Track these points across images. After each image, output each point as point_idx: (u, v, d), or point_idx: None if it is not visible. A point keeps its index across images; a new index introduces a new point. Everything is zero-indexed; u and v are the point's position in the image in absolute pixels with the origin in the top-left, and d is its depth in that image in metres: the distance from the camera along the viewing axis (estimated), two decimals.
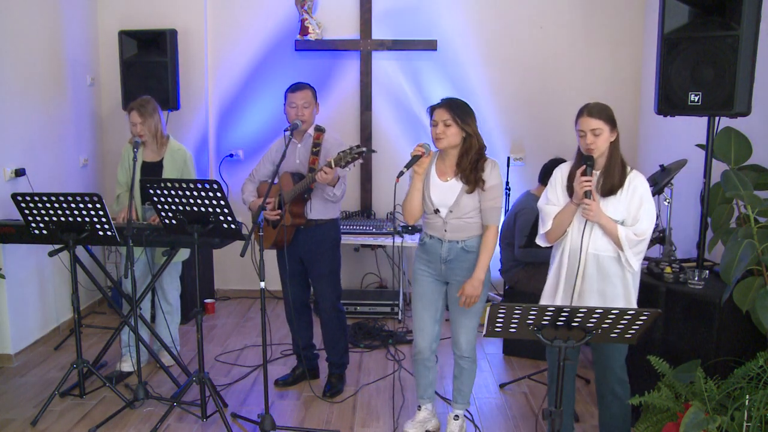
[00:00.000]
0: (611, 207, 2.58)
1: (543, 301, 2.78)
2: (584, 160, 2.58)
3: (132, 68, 4.68)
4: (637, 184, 2.58)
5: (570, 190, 2.64)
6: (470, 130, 2.83)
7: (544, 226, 2.70)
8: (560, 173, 2.72)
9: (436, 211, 2.88)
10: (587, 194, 2.52)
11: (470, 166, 2.82)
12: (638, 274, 2.67)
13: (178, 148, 3.73)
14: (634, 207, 2.56)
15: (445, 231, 2.88)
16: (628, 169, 2.62)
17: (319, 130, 3.37)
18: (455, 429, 3.09)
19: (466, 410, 3.22)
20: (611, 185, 2.57)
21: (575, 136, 2.66)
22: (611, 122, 2.57)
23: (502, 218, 4.41)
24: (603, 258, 2.60)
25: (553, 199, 2.70)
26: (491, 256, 2.87)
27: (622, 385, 2.73)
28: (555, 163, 4.15)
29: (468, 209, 2.85)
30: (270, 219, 3.42)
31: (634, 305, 2.64)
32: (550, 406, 2.22)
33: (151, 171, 3.67)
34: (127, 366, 3.77)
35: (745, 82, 2.92)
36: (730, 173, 2.94)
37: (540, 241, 2.75)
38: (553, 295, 2.72)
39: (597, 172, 2.62)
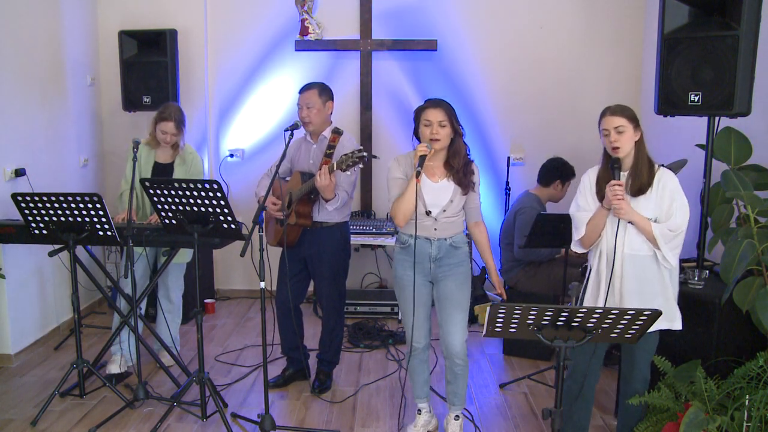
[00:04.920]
0: (642, 206, 2.57)
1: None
2: (611, 162, 2.58)
3: (132, 68, 4.68)
4: (666, 180, 2.57)
5: (600, 194, 2.64)
6: (459, 131, 2.87)
7: (578, 233, 2.70)
8: (588, 179, 2.72)
9: (428, 212, 2.88)
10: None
11: (463, 168, 2.87)
12: (676, 271, 2.64)
13: (191, 151, 3.76)
14: (666, 203, 2.55)
15: (435, 230, 2.90)
16: (656, 166, 2.61)
17: (336, 132, 3.37)
18: (456, 429, 3.09)
19: (466, 409, 3.22)
20: (640, 185, 2.57)
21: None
22: (634, 121, 2.57)
23: (502, 219, 4.42)
24: (639, 258, 2.58)
25: (584, 205, 2.71)
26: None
27: (644, 383, 2.73)
28: (554, 162, 4.17)
29: (459, 208, 2.93)
30: (273, 215, 3.43)
31: (673, 304, 2.60)
32: (565, 406, 2.19)
33: (163, 172, 3.70)
34: (114, 368, 3.71)
35: (745, 82, 2.92)
36: (730, 173, 2.94)
37: (575, 248, 2.76)
38: (595, 299, 2.70)
39: (625, 174, 2.61)
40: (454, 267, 2.93)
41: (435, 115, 2.80)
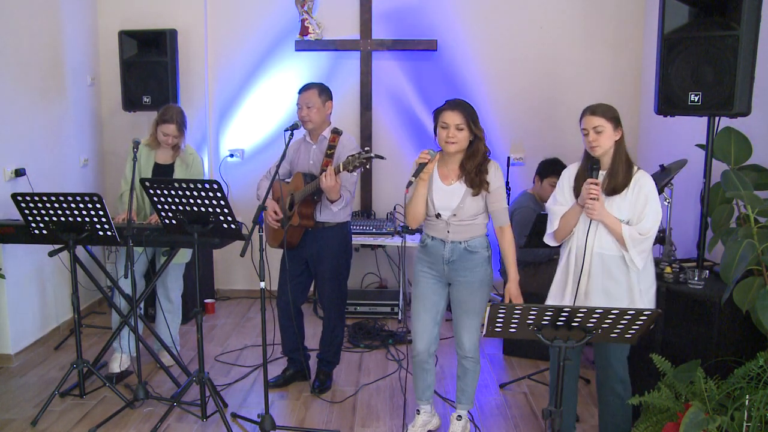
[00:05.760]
0: (616, 206, 2.59)
1: (549, 301, 2.80)
2: (590, 162, 2.60)
3: (132, 68, 4.68)
4: (643, 183, 2.59)
5: (577, 191, 2.67)
6: (479, 134, 2.80)
7: (552, 226, 2.73)
8: (567, 174, 2.75)
9: (438, 215, 2.86)
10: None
11: (475, 168, 2.81)
12: (648, 273, 2.67)
13: (191, 152, 3.77)
14: (640, 206, 2.58)
15: (448, 232, 2.87)
16: (635, 168, 2.63)
17: (336, 132, 3.36)
18: (458, 429, 3.09)
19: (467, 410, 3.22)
20: (615, 184, 2.59)
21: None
22: (614, 121, 2.59)
23: None
24: (608, 257, 2.62)
25: (560, 200, 2.73)
26: (515, 254, 2.94)
27: (623, 384, 2.74)
28: (549, 160, 4.16)
29: (472, 212, 2.84)
30: (271, 225, 3.42)
31: (639, 305, 2.62)
32: (551, 406, 2.22)
33: (163, 173, 3.70)
34: (115, 366, 3.72)
35: (745, 82, 2.92)
36: (730, 173, 2.94)
37: (548, 240, 2.78)
38: (561, 294, 2.73)
39: (603, 172, 2.64)
40: (468, 272, 2.88)
41: (452, 118, 2.75)
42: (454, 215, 2.84)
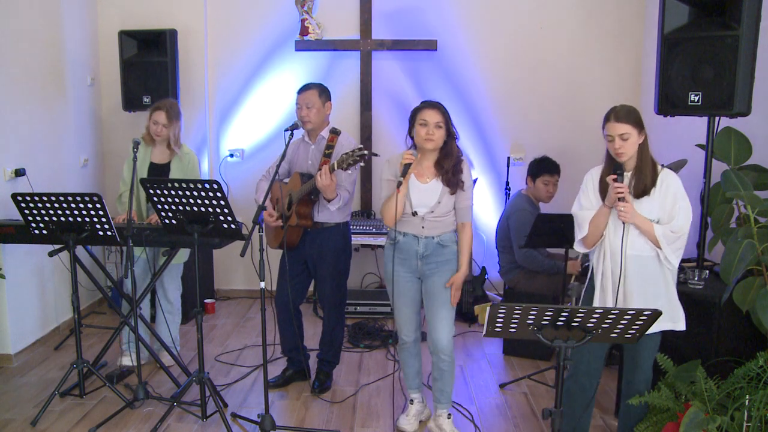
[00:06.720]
0: (645, 207, 2.56)
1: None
2: (614, 168, 2.55)
3: (132, 68, 4.69)
4: (669, 182, 2.57)
5: (603, 193, 2.62)
6: (453, 134, 2.92)
7: (582, 232, 2.67)
8: (591, 178, 2.70)
9: (415, 213, 2.91)
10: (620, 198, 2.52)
11: (452, 168, 2.89)
12: (675, 272, 2.64)
13: (187, 152, 3.77)
14: (669, 205, 2.55)
15: (423, 228, 2.93)
16: (659, 167, 2.60)
17: (334, 132, 3.37)
18: (450, 426, 3.10)
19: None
20: (644, 186, 2.56)
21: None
22: (639, 125, 2.54)
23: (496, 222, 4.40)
24: (643, 258, 2.58)
25: (586, 205, 2.68)
26: (471, 250, 3.03)
27: (648, 383, 2.73)
28: (538, 159, 4.16)
29: (447, 208, 2.94)
30: (270, 225, 3.43)
31: (676, 304, 2.61)
32: (564, 407, 2.18)
33: (159, 172, 3.70)
34: (126, 360, 3.78)
35: (745, 82, 2.92)
36: (730, 173, 2.94)
37: (578, 248, 2.72)
38: (604, 301, 2.65)
39: (628, 174, 2.60)
40: (441, 264, 2.96)
41: (432, 116, 2.85)
42: (431, 212, 2.91)
